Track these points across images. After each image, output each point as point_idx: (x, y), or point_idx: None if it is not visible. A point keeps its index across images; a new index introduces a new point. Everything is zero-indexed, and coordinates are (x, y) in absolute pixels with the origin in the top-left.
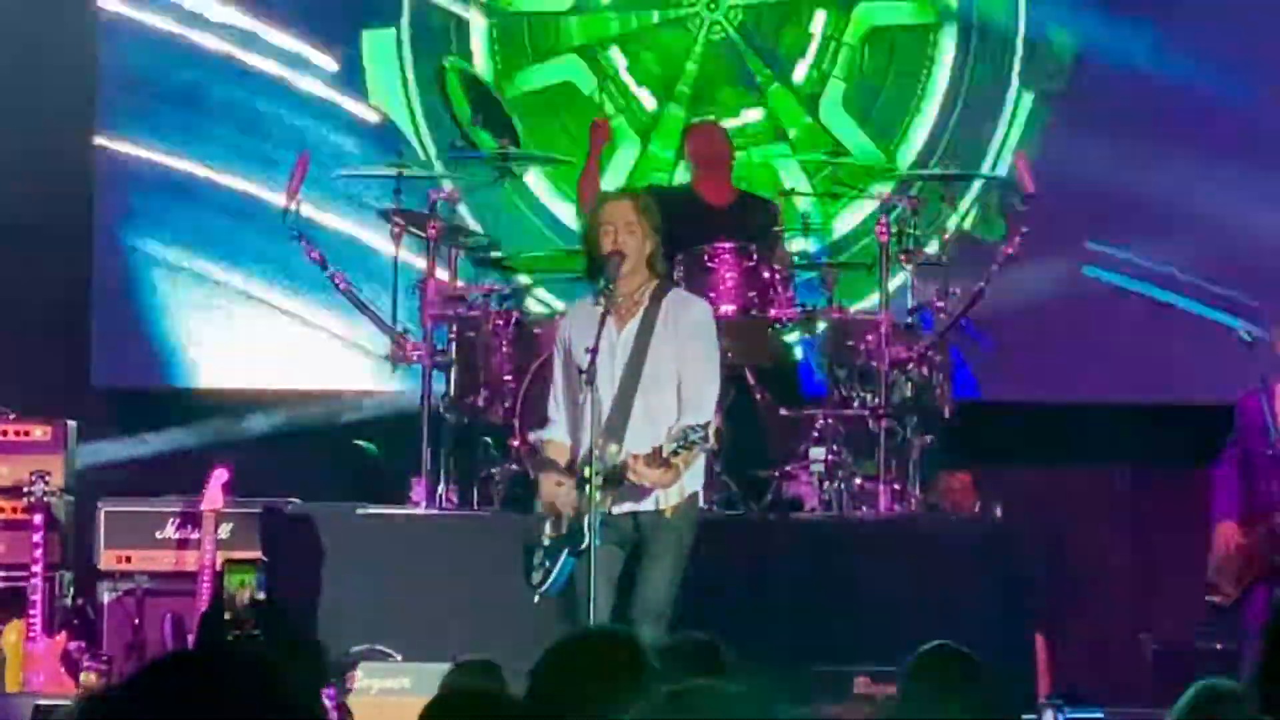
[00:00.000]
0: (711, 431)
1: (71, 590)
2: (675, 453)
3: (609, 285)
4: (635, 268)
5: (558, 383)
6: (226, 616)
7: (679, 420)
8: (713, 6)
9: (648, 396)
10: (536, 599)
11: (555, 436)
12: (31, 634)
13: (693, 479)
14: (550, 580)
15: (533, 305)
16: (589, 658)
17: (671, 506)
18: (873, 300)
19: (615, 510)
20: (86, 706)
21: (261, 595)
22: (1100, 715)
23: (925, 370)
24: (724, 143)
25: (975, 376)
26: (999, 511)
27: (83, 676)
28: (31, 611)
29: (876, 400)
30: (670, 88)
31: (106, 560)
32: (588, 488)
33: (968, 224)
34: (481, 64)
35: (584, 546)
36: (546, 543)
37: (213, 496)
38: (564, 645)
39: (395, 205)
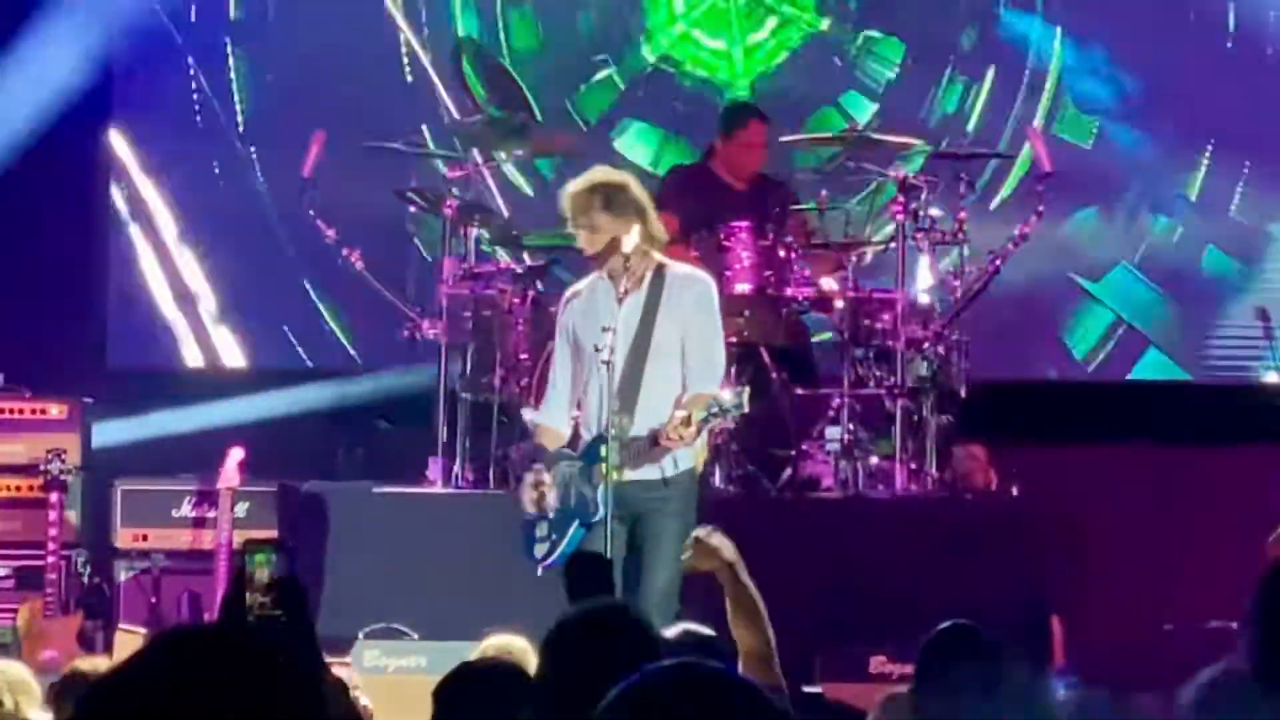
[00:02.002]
0: (746, 397)
1: (88, 569)
2: (705, 420)
3: (616, 271)
4: (604, 252)
5: (557, 363)
6: (246, 596)
7: (689, 390)
8: None
9: (656, 368)
10: (540, 572)
11: (548, 422)
12: (48, 612)
13: (689, 455)
14: (557, 554)
15: (549, 283)
16: (596, 634)
17: (679, 472)
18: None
19: (622, 478)
20: (97, 685)
21: (281, 575)
22: None
23: (941, 349)
24: (766, 146)
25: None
26: (1015, 491)
27: (118, 637)
28: (47, 590)
29: (893, 379)
30: None
31: (123, 539)
32: (603, 464)
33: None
34: None
35: (596, 519)
36: (552, 515)
37: (229, 475)
38: (571, 621)
39: (413, 184)
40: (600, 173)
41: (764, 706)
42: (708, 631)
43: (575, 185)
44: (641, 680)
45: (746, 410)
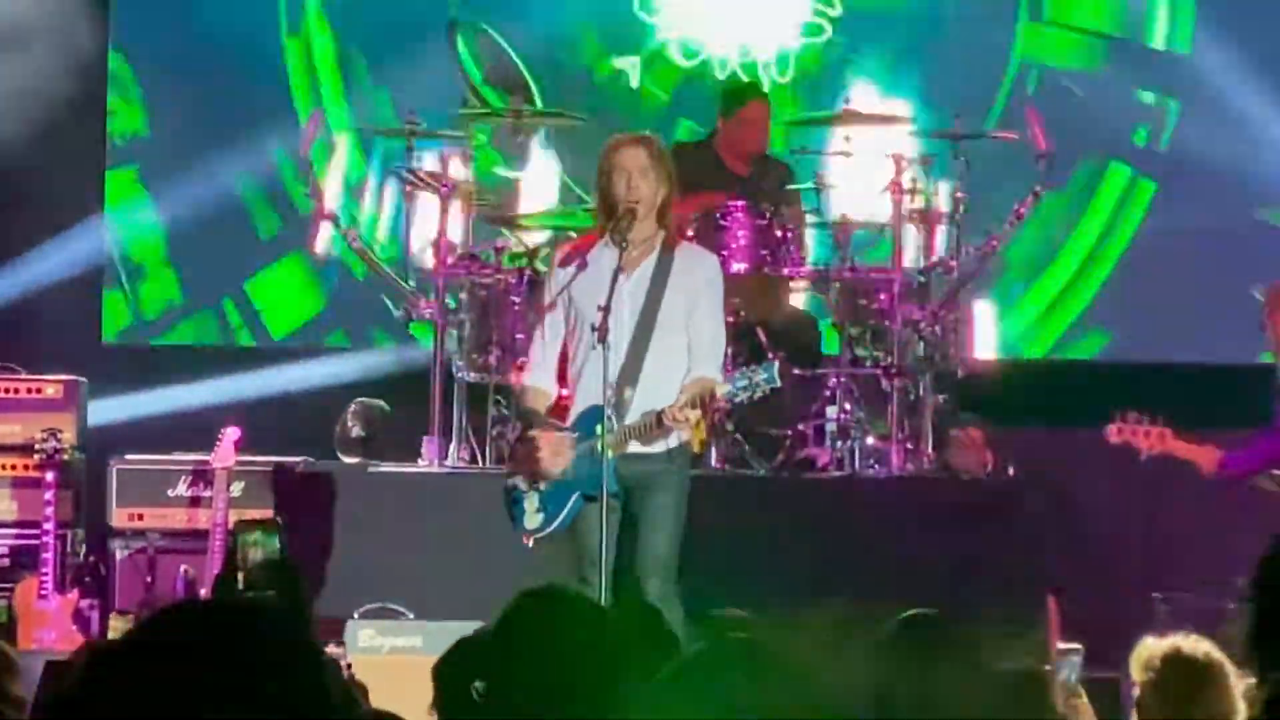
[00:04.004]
0: (777, 370)
1: (83, 547)
2: (733, 396)
3: (622, 241)
4: (647, 214)
5: (549, 324)
6: (239, 575)
7: (693, 371)
8: None
9: (662, 341)
10: (530, 543)
11: (538, 384)
12: (43, 591)
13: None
14: (555, 524)
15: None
16: (547, 615)
17: (679, 444)
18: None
19: (625, 451)
20: (94, 659)
21: (274, 554)
22: None
23: (938, 329)
24: (767, 126)
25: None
26: (1011, 470)
27: (112, 623)
28: (43, 569)
29: (889, 359)
30: None
31: (118, 518)
32: (596, 440)
33: None
34: None
35: (598, 492)
36: (543, 486)
37: (224, 454)
38: (523, 601)
39: (408, 163)
40: (647, 133)
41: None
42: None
43: (623, 136)
44: (700, 651)
45: (779, 384)
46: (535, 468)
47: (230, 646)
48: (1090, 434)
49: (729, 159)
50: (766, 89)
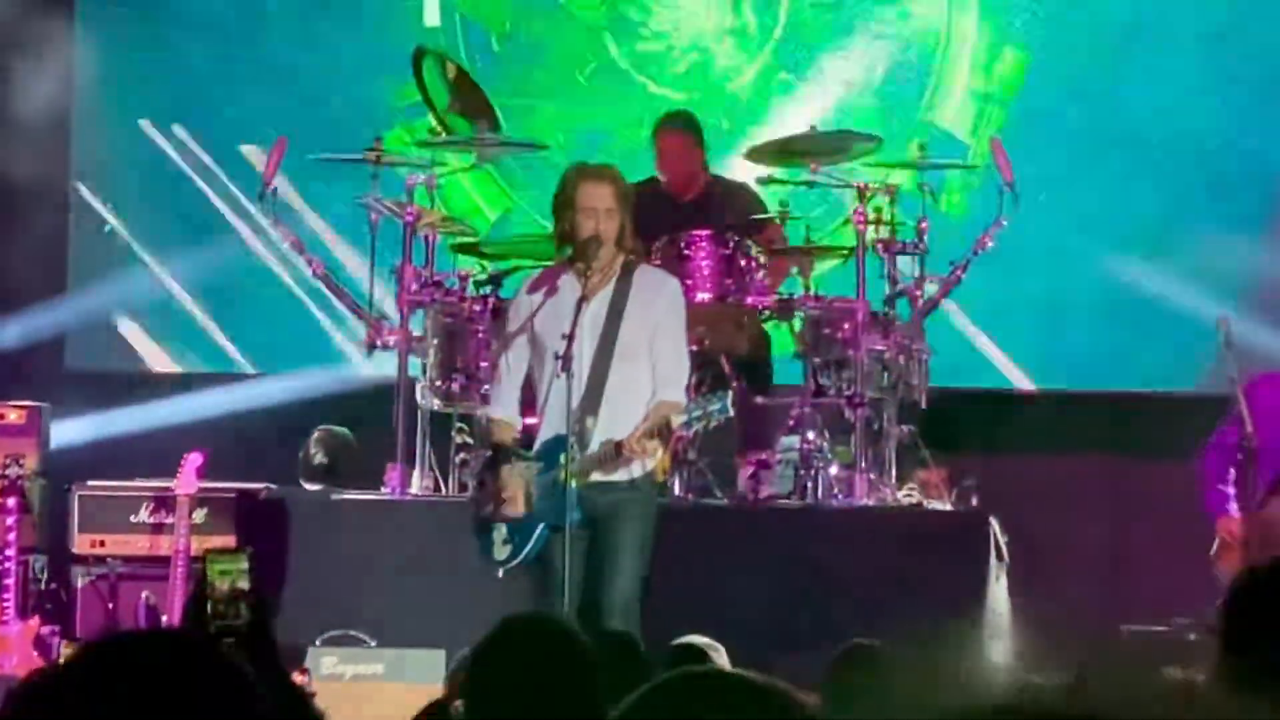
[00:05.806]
0: (730, 400)
1: (45, 574)
2: (688, 424)
3: (586, 269)
4: (609, 246)
5: (512, 355)
6: (208, 605)
7: (656, 395)
8: None
9: (622, 368)
10: (501, 573)
11: (504, 415)
12: (4, 617)
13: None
14: (521, 555)
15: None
16: (523, 647)
17: (644, 474)
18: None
19: (588, 481)
20: (34, 684)
21: (244, 584)
22: None
23: (902, 359)
24: (694, 142)
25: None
26: (974, 500)
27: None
28: (4, 595)
29: (852, 388)
30: None
31: (80, 544)
32: (561, 470)
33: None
34: None
35: (561, 523)
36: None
37: (186, 480)
38: (499, 633)
39: (372, 191)
40: (608, 166)
41: (780, 708)
42: (706, 641)
43: (586, 170)
44: (659, 685)
45: (732, 414)
46: (499, 507)
47: (201, 678)
48: (1054, 463)
49: (667, 188)
50: None
